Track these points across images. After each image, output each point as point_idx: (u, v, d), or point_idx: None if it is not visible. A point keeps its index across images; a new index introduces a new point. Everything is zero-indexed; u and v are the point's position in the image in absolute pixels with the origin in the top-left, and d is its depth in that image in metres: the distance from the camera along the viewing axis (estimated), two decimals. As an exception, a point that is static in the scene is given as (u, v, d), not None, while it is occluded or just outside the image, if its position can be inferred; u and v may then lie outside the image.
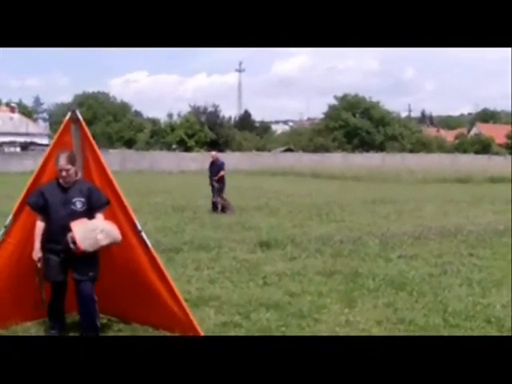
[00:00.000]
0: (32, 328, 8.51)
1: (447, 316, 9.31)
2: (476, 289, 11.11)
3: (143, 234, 8.17)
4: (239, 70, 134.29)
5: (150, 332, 8.34)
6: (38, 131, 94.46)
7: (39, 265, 7.85)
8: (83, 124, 8.27)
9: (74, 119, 8.28)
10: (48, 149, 8.43)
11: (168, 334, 8.12)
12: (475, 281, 11.70)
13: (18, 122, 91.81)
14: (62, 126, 8.36)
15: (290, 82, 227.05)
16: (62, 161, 7.82)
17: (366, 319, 9.11)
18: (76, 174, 8.01)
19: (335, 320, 9.10)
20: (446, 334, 8.46)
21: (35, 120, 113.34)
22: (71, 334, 8.24)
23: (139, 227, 8.16)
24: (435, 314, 9.46)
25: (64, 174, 7.84)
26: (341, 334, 8.36)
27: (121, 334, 8.41)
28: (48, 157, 8.18)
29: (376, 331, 8.54)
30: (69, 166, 7.85)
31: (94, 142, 8.30)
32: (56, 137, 8.41)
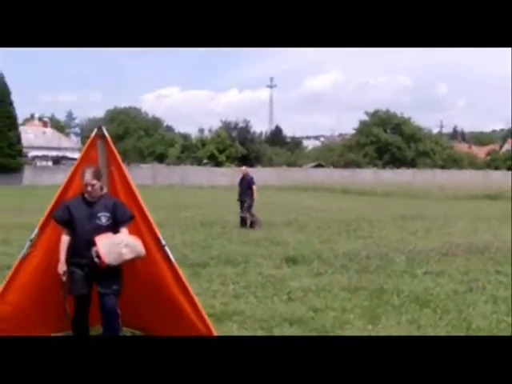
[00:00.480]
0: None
1: (470, 333, 9.29)
2: (501, 306, 11.06)
3: (167, 249, 8.23)
4: (270, 86, 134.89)
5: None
6: (70, 145, 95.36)
7: (64, 278, 7.96)
8: (109, 140, 8.40)
9: (100, 135, 8.41)
10: (75, 163, 8.56)
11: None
12: (501, 298, 11.64)
13: (50, 136, 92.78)
14: (88, 142, 8.51)
15: (321, 97, 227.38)
16: (88, 176, 7.94)
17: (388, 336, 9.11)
18: (101, 188, 8.12)
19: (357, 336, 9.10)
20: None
21: (67, 134, 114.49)
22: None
23: (163, 242, 8.23)
24: (458, 330, 9.43)
25: (90, 188, 7.95)
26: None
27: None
28: (74, 172, 8.31)
29: (398, 348, 8.54)
30: (94, 181, 7.96)
31: (119, 158, 8.43)
32: (82, 152, 8.55)
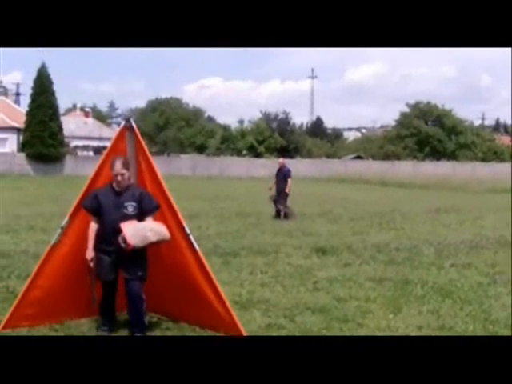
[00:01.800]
0: (84, 324, 8.96)
1: (487, 324, 9.45)
2: (524, 299, 11.18)
3: (191, 237, 8.53)
4: (312, 77, 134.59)
5: (197, 331, 8.69)
6: (112, 136, 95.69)
7: (92, 264, 8.32)
8: (137, 132, 8.72)
9: (129, 127, 8.74)
10: (103, 154, 8.90)
11: (213, 333, 8.48)
12: (524, 291, 11.74)
13: (91, 126, 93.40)
14: (116, 134, 8.87)
15: (364, 88, 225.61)
16: (118, 166, 8.28)
17: (407, 325, 9.31)
18: (129, 178, 8.45)
19: (377, 324, 9.33)
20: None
21: (109, 125, 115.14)
22: (121, 332, 8.67)
23: (188, 230, 8.53)
24: (477, 321, 9.60)
25: (119, 178, 8.29)
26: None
27: (168, 332, 8.77)
28: (103, 162, 8.66)
29: (415, 336, 8.76)
30: (123, 171, 8.29)
31: (146, 149, 8.74)
32: (111, 144, 8.88)
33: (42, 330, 8.57)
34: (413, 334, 8.83)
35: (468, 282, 12.42)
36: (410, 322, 9.45)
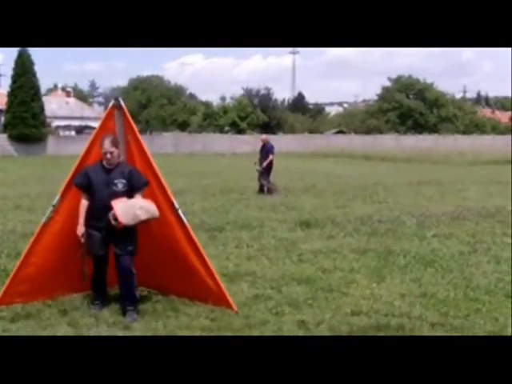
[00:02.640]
0: (77, 299, 9.19)
1: (468, 291, 9.77)
2: (503, 266, 11.49)
3: (180, 212, 8.78)
4: (293, 53, 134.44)
5: (187, 304, 8.95)
6: (93, 115, 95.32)
7: (83, 240, 8.57)
8: (126, 110, 8.93)
9: (118, 106, 8.95)
10: (93, 133, 9.11)
11: (203, 305, 8.76)
12: (504, 258, 12.07)
13: (73, 106, 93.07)
14: (105, 113, 9.10)
15: (346, 63, 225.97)
16: (107, 144, 8.49)
17: (390, 292, 9.62)
18: (119, 156, 8.67)
19: (361, 293, 9.63)
20: (464, 306, 8.93)
21: (90, 104, 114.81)
22: (113, 306, 8.94)
23: (176, 205, 8.78)
24: (458, 288, 9.91)
25: (108, 156, 8.51)
26: (364, 307, 8.91)
27: (159, 305, 9.02)
28: (93, 141, 8.87)
29: (398, 303, 9.04)
30: (113, 149, 8.51)
31: (135, 128, 8.97)
32: (100, 122, 9.10)
33: (36, 306, 8.81)
34: (396, 302, 9.14)
35: (449, 251, 12.73)
36: (393, 290, 9.76)
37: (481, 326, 8.11)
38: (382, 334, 7.83)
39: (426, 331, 7.92)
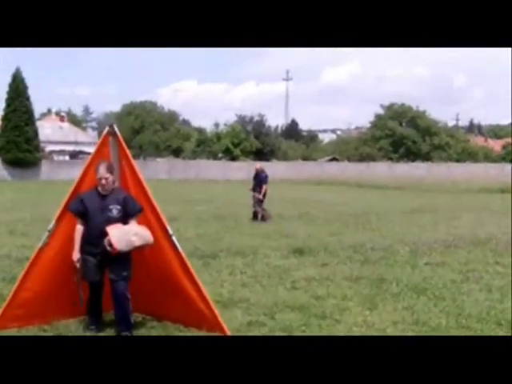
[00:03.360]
0: (72, 324, 9.20)
1: (461, 319, 9.80)
2: (495, 294, 11.52)
3: (174, 238, 8.83)
4: (287, 79, 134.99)
5: (181, 330, 8.98)
6: (87, 140, 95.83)
7: (78, 265, 8.61)
8: (120, 137, 9.01)
9: (112, 133, 9.03)
10: (88, 159, 9.18)
11: (197, 331, 8.79)
12: (495, 287, 12.11)
13: (67, 130, 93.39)
14: (100, 139, 9.18)
15: (338, 90, 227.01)
16: (102, 170, 8.58)
17: (382, 320, 9.65)
18: (113, 182, 8.74)
19: (354, 320, 9.66)
20: (455, 334, 8.96)
21: (84, 129, 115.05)
22: (108, 331, 8.94)
23: (170, 231, 8.83)
24: (450, 316, 9.94)
25: (103, 181, 8.59)
26: (356, 334, 8.92)
27: (153, 331, 9.05)
28: (88, 166, 8.95)
29: (390, 331, 9.06)
30: (107, 175, 8.59)
31: (129, 154, 9.04)
32: (95, 149, 9.17)
33: (31, 331, 8.82)
34: (388, 329, 9.16)
35: (442, 279, 12.76)
36: (385, 318, 9.79)
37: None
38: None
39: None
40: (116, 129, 9.04)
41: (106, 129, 9.13)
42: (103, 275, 8.73)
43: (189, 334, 8.77)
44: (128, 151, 9.06)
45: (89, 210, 8.59)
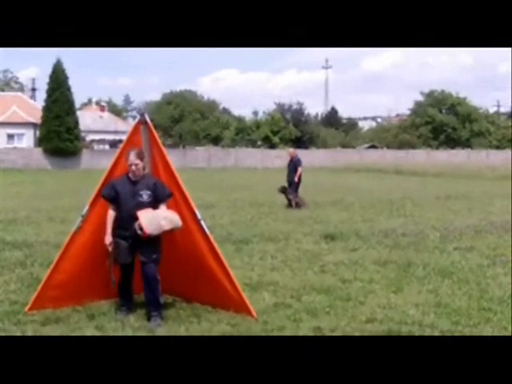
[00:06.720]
0: (104, 306, 9.63)
1: (482, 301, 10.01)
2: (520, 278, 11.70)
3: (202, 222, 9.18)
4: (326, 67, 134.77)
5: (209, 311, 9.34)
6: (127, 129, 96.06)
7: (110, 248, 9.00)
8: (151, 125, 9.37)
9: (143, 121, 9.39)
10: (120, 147, 9.55)
11: (224, 312, 9.14)
12: (522, 271, 12.26)
13: (107, 120, 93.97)
14: (132, 128, 9.55)
15: (380, 78, 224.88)
16: (132, 157, 8.93)
17: (406, 302, 9.91)
18: (144, 168, 9.10)
19: (377, 302, 9.92)
20: (475, 316, 9.19)
21: (124, 118, 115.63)
22: (138, 312, 9.34)
23: (199, 216, 9.17)
24: (472, 299, 10.17)
25: (134, 168, 8.94)
26: (379, 315, 9.21)
27: (182, 312, 9.41)
28: (120, 154, 9.32)
29: (412, 312, 9.33)
30: (138, 161, 8.94)
31: (160, 142, 9.41)
32: (127, 137, 9.54)
33: (65, 311, 9.24)
34: (410, 311, 9.41)
35: (468, 263, 12.95)
36: (408, 300, 10.04)
37: (489, 335, 8.35)
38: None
39: (436, 338, 8.15)
40: (147, 118, 9.39)
41: (138, 118, 9.52)
42: (134, 258, 9.10)
43: (216, 314, 9.13)
44: (159, 139, 9.42)
45: (120, 195, 8.95)
